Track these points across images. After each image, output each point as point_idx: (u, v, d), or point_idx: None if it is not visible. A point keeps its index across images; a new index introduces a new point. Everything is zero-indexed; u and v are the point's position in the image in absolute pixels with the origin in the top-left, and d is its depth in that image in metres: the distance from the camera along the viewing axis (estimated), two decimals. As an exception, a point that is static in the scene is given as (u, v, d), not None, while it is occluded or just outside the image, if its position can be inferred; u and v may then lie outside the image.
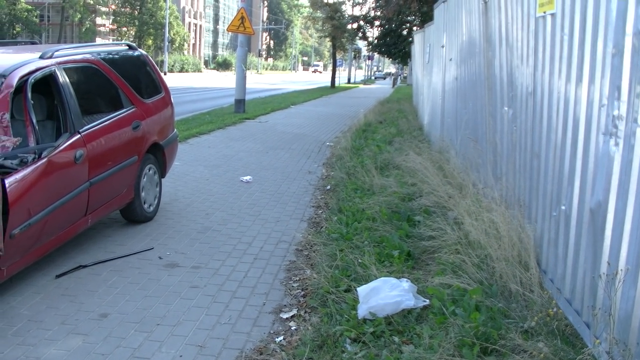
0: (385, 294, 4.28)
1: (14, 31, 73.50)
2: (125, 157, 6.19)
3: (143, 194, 6.67)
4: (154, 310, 4.60)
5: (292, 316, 4.51)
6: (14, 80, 4.93)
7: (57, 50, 5.66)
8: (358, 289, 4.41)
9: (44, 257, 5.27)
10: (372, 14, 39.90)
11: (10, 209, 4.35)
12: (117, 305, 4.69)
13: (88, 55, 6.16)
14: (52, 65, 5.44)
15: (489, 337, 3.67)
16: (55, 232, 5.15)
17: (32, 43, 7.89)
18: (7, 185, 4.34)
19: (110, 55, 6.58)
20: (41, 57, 5.40)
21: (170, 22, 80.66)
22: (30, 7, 76.21)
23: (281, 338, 4.16)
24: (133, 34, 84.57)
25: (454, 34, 9.09)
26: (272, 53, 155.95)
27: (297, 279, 5.24)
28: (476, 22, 7.07)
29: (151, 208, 6.90)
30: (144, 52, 7.51)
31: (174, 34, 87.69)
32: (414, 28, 31.93)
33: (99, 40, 74.28)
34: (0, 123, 4.66)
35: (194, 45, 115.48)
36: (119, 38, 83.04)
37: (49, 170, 4.85)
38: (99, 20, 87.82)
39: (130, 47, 7.26)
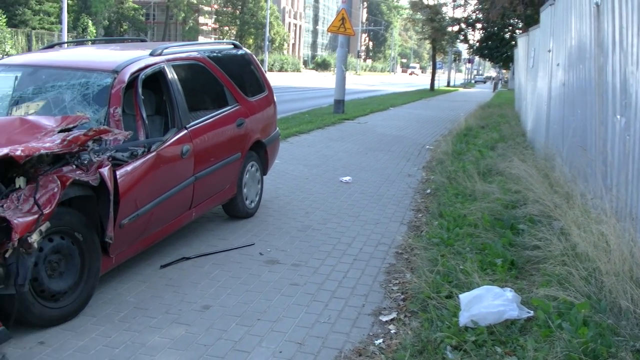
0: (488, 302, 4.18)
1: (121, 29, 76.11)
2: (229, 153, 6.29)
3: (245, 190, 6.77)
4: (254, 305, 4.65)
5: (391, 319, 4.47)
6: (126, 76, 5.10)
7: (166, 48, 5.81)
8: (460, 295, 4.32)
9: (150, 247, 5.41)
10: (474, 16, 39.25)
11: (121, 199, 4.50)
12: (219, 298, 4.77)
13: (195, 53, 6.31)
14: (161, 62, 5.59)
15: (597, 354, 3.51)
16: (161, 224, 5.29)
17: (142, 40, 8.16)
18: (118, 177, 4.48)
19: (216, 54, 6.70)
20: (151, 55, 5.56)
21: (270, 22, 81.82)
22: (137, 6, 78.78)
23: (380, 341, 4.12)
24: (234, 33, 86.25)
25: (562, 38, 8.81)
26: (370, 54, 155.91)
27: (397, 282, 5.19)
28: (587, 26, 6.83)
29: (252, 204, 7.00)
30: (248, 51, 7.61)
31: (274, 34, 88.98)
32: (517, 31, 31.21)
33: (201, 39, 76.03)
34: (113, 117, 4.82)
35: (293, 45, 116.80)
36: (221, 37, 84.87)
37: (157, 164, 4.98)
38: (201, 20, 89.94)
39: (236, 46, 7.38)
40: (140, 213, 4.79)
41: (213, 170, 5.94)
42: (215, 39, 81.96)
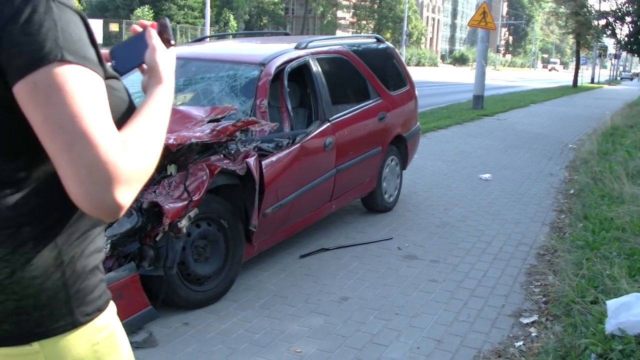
0: (637, 310, 3.95)
1: (261, 23, 77.96)
2: (370, 147, 6.30)
3: (384, 185, 6.77)
4: (392, 299, 4.64)
5: (532, 322, 4.33)
6: (272, 68, 5.21)
7: (310, 42, 5.89)
8: (607, 302, 4.12)
9: (290, 237, 5.51)
10: (623, 9, 37.32)
11: (266, 189, 4.61)
12: (357, 290, 4.79)
13: (339, 47, 6.36)
14: (306, 55, 5.67)
15: None
16: (302, 215, 5.37)
17: (285, 34, 8.31)
18: (263, 167, 4.59)
19: (359, 47, 6.73)
20: (296, 48, 5.65)
21: (408, 16, 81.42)
22: (276, 0, 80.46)
23: (521, 343, 4.01)
24: (372, 27, 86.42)
25: None
26: (510, 49, 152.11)
27: (539, 284, 5.03)
28: None
29: (391, 199, 6.98)
30: (390, 45, 7.60)
31: (411, 28, 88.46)
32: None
33: (338, 33, 76.68)
34: (259, 108, 4.94)
35: (431, 39, 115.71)
36: (358, 31, 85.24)
37: (300, 155, 5.06)
38: (339, 13, 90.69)
39: (378, 40, 7.39)
40: (283, 203, 4.89)
41: (354, 163, 5.97)
42: (352, 32, 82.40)
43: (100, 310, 1.38)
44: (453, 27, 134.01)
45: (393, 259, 5.50)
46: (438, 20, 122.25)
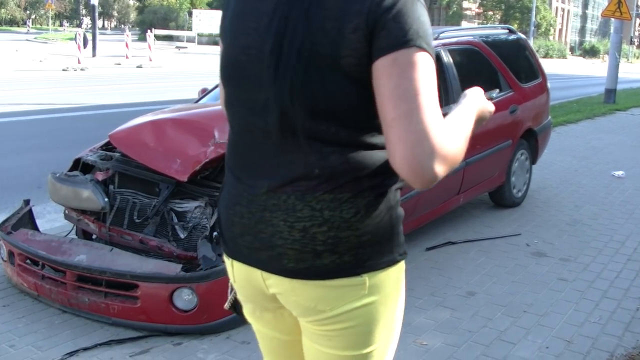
0: None
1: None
2: (500, 140, 6.18)
3: (513, 179, 6.63)
4: (520, 297, 4.54)
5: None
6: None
7: (442, 32, 5.84)
8: None
9: (417, 229, 5.49)
10: None
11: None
12: (484, 285, 4.73)
13: (470, 38, 6.27)
14: (437, 46, 5.61)
15: None
16: (430, 207, 5.34)
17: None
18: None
19: (491, 38, 6.61)
20: (428, 39, 5.60)
21: (537, 7, 78.88)
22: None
23: (660, 349, 3.84)
24: (498, 17, 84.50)
25: None
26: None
27: (678, 288, 4.80)
28: None
29: (519, 194, 6.83)
30: (522, 36, 7.42)
31: (540, 19, 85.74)
32: None
33: (464, 24, 75.44)
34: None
35: (560, 30, 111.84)
36: (484, 22, 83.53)
37: (431, 147, 5.02)
38: (465, 4, 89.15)
39: (510, 31, 7.23)
40: (412, 194, 4.87)
41: (483, 156, 5.87)
42: (478, 23, 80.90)
43: (405, 252, 1.65)
44: (584, 17, 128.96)
45: (521, 255, 5.39)
46: (568, 10, 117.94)
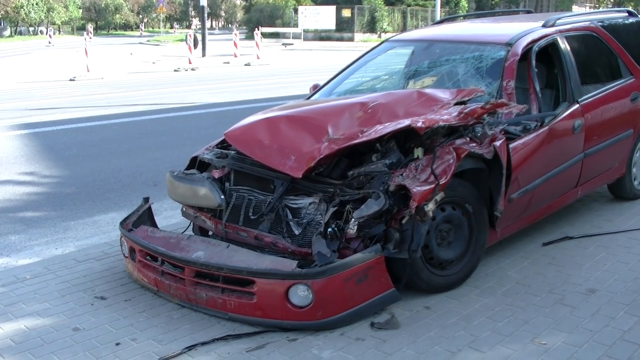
0: None
1: (492, 2, 76.06)
2: (620, 129, 5.91)
3: (634, 170, 6.32)
4: (645, 295, 4.34)
5: None
6: (519, 48, 5.07)
7: (558, 19, 5.66)
8: None
9: (533, 224, 5.33)
10: None
11: (512, 173, 4.48)
12: (605, 282, 4.53)
13: (587, 23, 6.04)
14: (554, 33, 5.46)
15: None
16: (546, 201, 5.18)
17: (528, 12, 8.03)
18: (511, 151, 4.47)
19: (610, 23, 6.33)
20: (544, 26, 5.46)
21: (654, -12, 75.40)
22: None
23: None
24: (612, 0, 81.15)
25: None
26: None
27: None
28: None
29: (640, 186, 6.53)
30: (644, 18, 7.08)
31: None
32: None
33: (575, 9, 72.88)
34: (505, 90, 4.82)
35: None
36: (597, 5, 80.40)
37: (548, 139, 4.87)
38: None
39: (630, 14, 6.90)
40: (529, 188, 4.74)
41: (603, 147, 5.63)
42: (590, 7, 77.95)
43: None
44: None
45: (644, 250, 5.15)
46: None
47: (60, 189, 7.53)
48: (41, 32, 75.56)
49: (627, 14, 6.87)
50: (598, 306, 4.16)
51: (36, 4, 68.74)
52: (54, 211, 6.68)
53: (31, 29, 78.23)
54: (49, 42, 49.31)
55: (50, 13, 72.07)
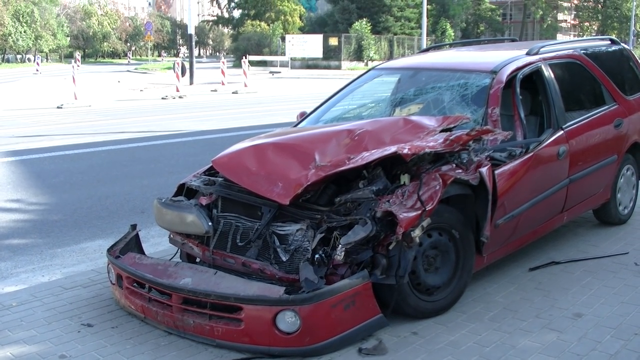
0: None
1: (478, 30, 76.97)
2: (605, 155, 5.98)
3: (619, 196, 6.39)
4: (631, 319, 4.36)
5: None
6: (504, 76, 5.14)
7: (542, 47, 5.74)
8: None
9: (519, 249, 5.36)
10: None
11: (498, 199, 4.52)
12: (592, 306, 4.56)
13: (571, 51, 6.13)
14: (538, 61, 5.53)
15: None
16: (533, 226, 5.22)
17: (512, 40, 8.13)
18: (496, 177, 4.51)
19: (593, 51, 6.44)
20: (528, 54, 5.54)
21: (636, 15, 76.27)
22: (494, 6, 78.99)
23: None
24: (595, 28, 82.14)
25: None
26: None
27: None
28: None
29: (626, 210, 6.57)
30: (626, 46, 7.19)
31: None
32: None
33: (559, 37, 73.77)
34: (490, 117, 4.87)
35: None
36: (580, 34, 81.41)
37: (533, 165, 4.92)
38: (560, 16, 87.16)
39: (613, 42, 7.02)
40: (515, 214, 4.77)
41: (588, 172, 5.69)
42: (574, 35, 78.98)
43: None
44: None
45: (630, 275, 5.17)
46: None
47: (47, 216, 7.51)
48: (29, 59, 75.70)
49: (609, 42, 6.98)
50: (585, 330, 4.19)
51: (24, 31, 68.82)
52: (40, 238, 6.65)
53: (19, 56, 78.38)
54: (37, 70, 49.35)
55: (38, 41, 72.13)
